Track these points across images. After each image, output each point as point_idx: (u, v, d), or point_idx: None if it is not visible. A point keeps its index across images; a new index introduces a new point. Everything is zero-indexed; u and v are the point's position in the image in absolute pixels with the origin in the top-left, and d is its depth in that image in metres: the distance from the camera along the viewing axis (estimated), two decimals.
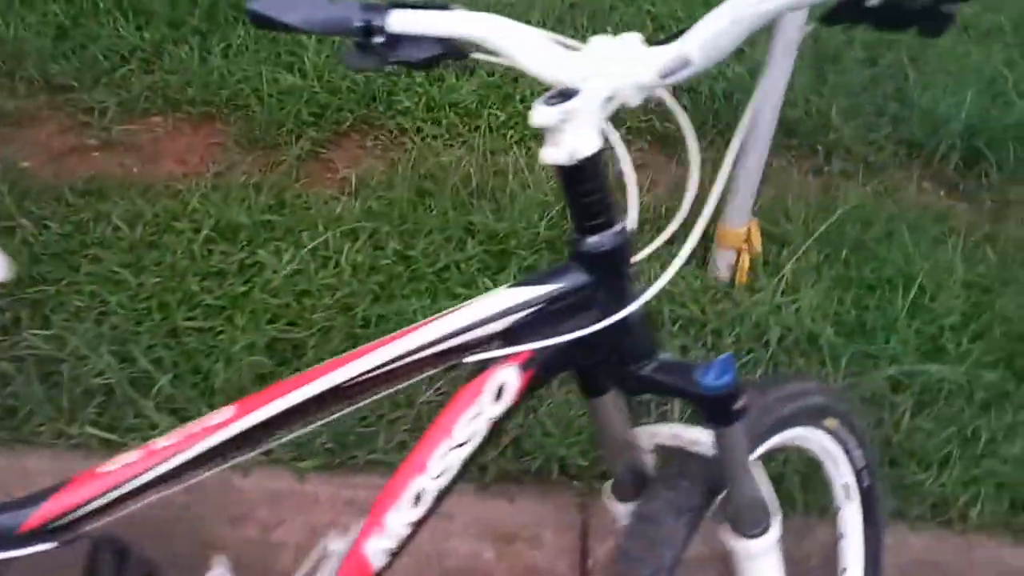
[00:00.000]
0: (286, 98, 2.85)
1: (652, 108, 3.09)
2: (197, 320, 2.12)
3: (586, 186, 0.91)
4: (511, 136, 2.87)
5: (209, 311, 2.14)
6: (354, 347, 0.95)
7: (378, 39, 0.98)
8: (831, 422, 1.33)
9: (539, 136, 0.90)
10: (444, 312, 0.95)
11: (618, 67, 0.89)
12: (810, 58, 3.30)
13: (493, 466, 1.87)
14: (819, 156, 2.97)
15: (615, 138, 1.02)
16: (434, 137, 2.81)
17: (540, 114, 0.87)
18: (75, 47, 3.01)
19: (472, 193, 2.55)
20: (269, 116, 2.79)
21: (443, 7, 1.00)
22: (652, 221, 2.52)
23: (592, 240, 0.93)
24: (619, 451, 1.16)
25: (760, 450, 1.24)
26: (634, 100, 0.91)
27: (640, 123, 3.02)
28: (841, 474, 1.41)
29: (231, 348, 2.03)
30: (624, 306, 0.95)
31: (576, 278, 0.95)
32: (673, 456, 1.13)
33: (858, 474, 1.41)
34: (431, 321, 0.94)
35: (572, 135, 0.88)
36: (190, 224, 2.36)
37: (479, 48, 0.98)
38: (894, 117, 3.09)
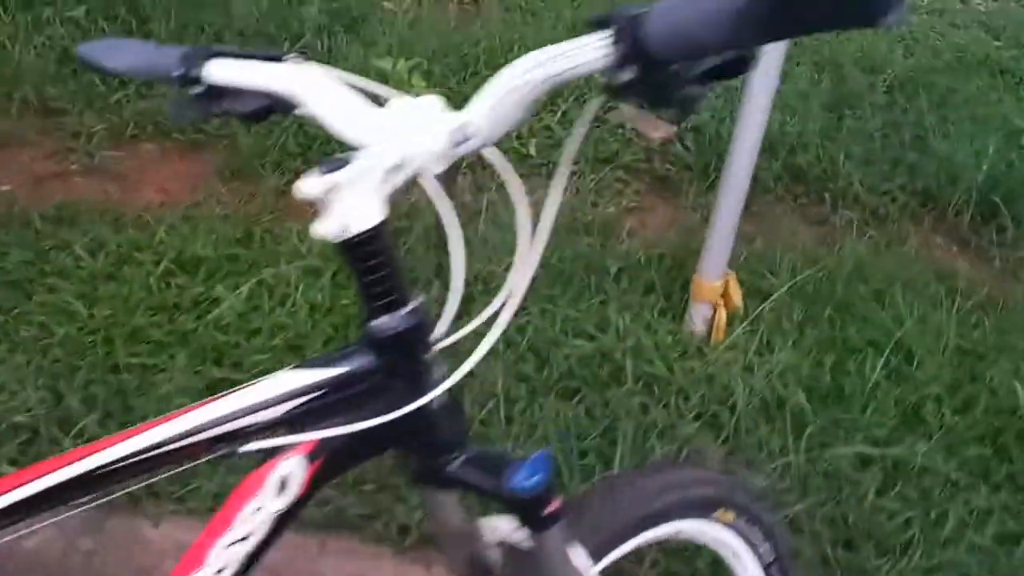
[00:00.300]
0: (274, 127, 2.81)
1: (654, 148, 2.99)
2: (141, 356, 2.07)
3: (369, 262, 0.82)
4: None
5: (155, 347, 2.09)
6: None
7: (197, 89, 0.92)
8: (725, 514, 1.21)
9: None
10: (223, 393, 0.87)
11: (412, 133, 0.81)
12: (828, 101, 3.17)
13: (415, 529, 1.77)
14: (826, 205, 2.83)
15: (439, 197, 0.93)
16: None
17: (306, 185, 0.78)
18: (75, 70, 3.02)
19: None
20: (254, 146, 2.75)
21: (268, 56, 0.93)
22: (633, 269, 2.42)
23: (379, 322, 0.84)
24: (458, 543, 1.06)
25: (631, 544, 1.13)
26: (433, 169, 0.83)
27: (639, 163, 2.92)
28: (746, 568, 1.29)
29: (167, 388, 1.97)
30: (421, 395, 0.86)
31: (363, 362, 0.86)
32: (514, 553, 1.02)
33: (766, 569, 1.29)
34: (207, 403, 0.86)
35: (346, 207, 0.79)
36: (152, 256, 2.32)
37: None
38: (911, 166, 2.93)
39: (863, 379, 2.12)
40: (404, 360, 0.86)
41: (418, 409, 0.86)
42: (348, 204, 0.79)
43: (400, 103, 0.83)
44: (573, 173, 2.84)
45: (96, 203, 2.55)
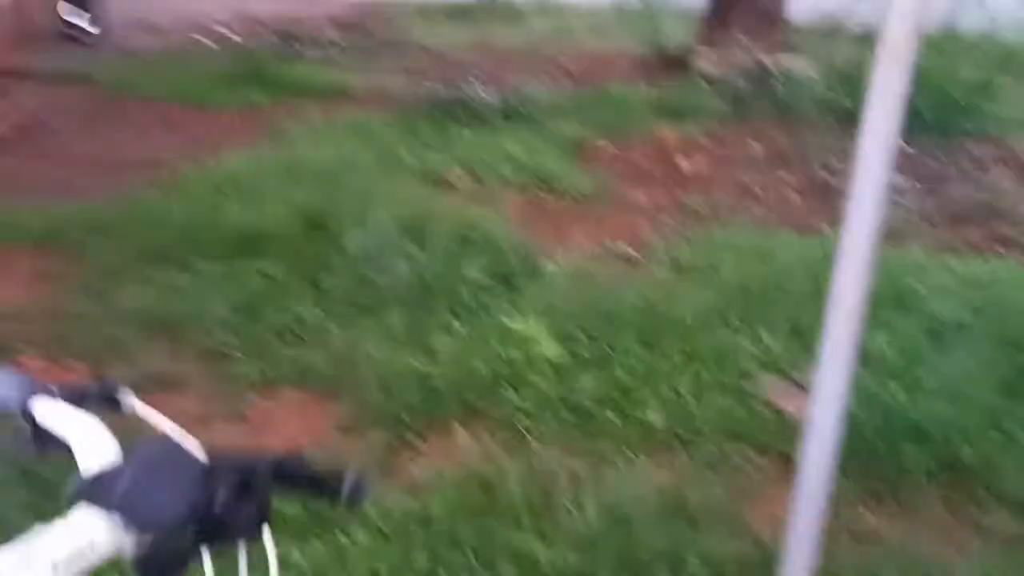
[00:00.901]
0: (401, 381, 2.89)
1: (788, 423, 2.77)
2: None
3: None
4: (619, 442, 2.70)
5: None
6: None
7: (26, 427, 0.95)
8: None
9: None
10: None
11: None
12: (1001, 382, 2.83)
13: None
14: (980, 504, 2.48)
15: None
16: (535, 438, 2.70)
17: None
18: (248, 318, 3.30)
19: (532, 508, 2.39)
20: (382, 399, 2.84)
21: (102, 392, 0.97)
22: (721, 568, 2.20)
23: None
24: None
25: None
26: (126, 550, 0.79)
27: (769, 439, 2.72)
28: None
29: None
30: None
31: None
32: None
33: None
34: None
35: None
36: None
37: None
38: None
39: None
40: None
41: None
42: None
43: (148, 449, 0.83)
44: (695, 445, 2.69)
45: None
